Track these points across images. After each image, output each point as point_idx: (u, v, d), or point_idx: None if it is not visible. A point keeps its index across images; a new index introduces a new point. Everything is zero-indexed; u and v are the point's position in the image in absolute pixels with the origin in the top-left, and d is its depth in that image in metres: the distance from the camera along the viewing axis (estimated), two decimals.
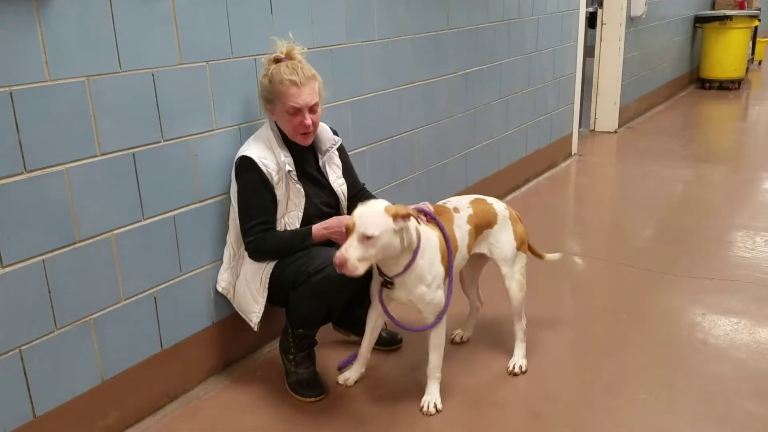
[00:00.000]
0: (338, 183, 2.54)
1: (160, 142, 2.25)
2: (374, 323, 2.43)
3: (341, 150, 2.59)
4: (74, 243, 2.04)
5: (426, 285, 2.21)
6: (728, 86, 8.82)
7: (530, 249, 2.61)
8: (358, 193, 2.63)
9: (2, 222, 1.86)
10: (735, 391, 2.39)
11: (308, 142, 2.41)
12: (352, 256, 2.01)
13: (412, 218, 2.11)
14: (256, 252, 2.36)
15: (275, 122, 2.41)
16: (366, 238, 2.01)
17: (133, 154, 2.17)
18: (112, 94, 2.08)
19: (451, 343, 2.77)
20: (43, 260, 1.97)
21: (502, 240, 2.48)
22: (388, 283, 2.22)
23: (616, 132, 6.55)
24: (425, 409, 2.32)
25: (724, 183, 4.95)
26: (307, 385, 2.45)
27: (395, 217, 2.06)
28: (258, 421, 2.34)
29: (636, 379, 2.49)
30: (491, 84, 4.24)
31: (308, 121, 2.33)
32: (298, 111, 2.32)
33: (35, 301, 1.97)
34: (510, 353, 2.61)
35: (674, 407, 2.31)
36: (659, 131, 6.69)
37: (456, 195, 3.85)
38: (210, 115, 2.39)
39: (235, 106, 2.49)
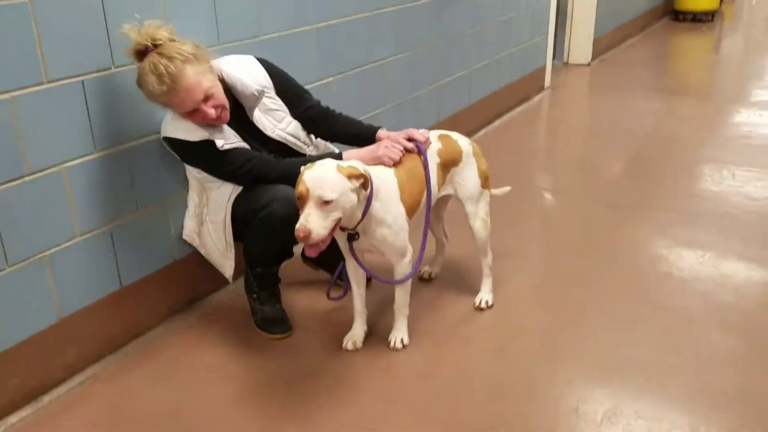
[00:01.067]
0: (279, 129, 2.36)
1: (110, 68, 2.13)
2: (355, 277, 2.31)
3: (278, 85, 2.37)
4: (23, 176, 1.94)
5: (387, 227, 2.11)
6: (702, 18, 8.75)
7: None
8: (323, 115, 2.44)
9: None
10: (699, 323, 2.42)
11: (224, 120, 2.19)
12: (315, 226, 1.87)
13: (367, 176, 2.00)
14: (255, 183, 2.24)
15: None
16: (324, 203, 1.89)
17: (82, 81, 2.05)
18: (59, 12, 1.94)
19: (419, 280, 2.75)
20: None
21: (467, 177, 2.42)
22: (353, 236, 2.13)
23: (589, 65, 6.48)
24: (392, 344, 2.31)
25: (695, 116, 4.94)
26: (273, 322, 2.42)
27: (349, 177, 1.94)
28: (221, 358, 2.31)
29: (600, 311, 2.50)
30: (466, 9, 4.10)
31: (210, 112, 2.11)
32: (194, 111, 2.10)
33: None
34: (477, 289, 2.60)
35: (638, 339, 2.33)
36: (632, 64, 6.63)
37: (432, 128, 3.80)
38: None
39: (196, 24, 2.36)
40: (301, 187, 1.90)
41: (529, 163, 4.14)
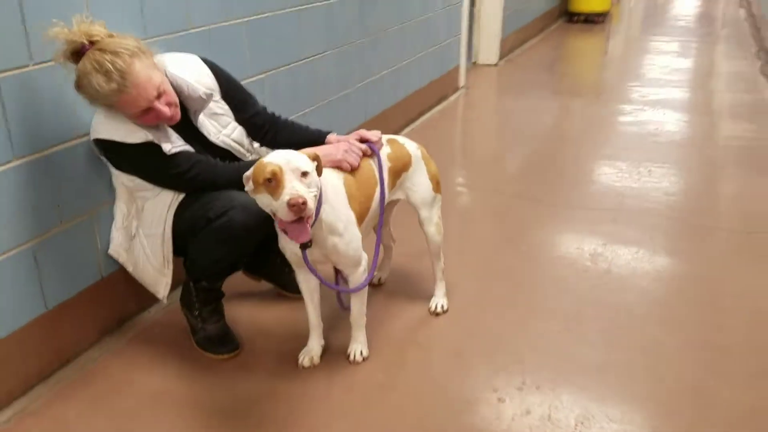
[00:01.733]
0: (224, 135, 2.19)
1: (28, 65, 1.88)
2: (308, 289, 2.17)
3: (224, 89, 2.20)
4: None
5: (338, 235, 1.98)
6: (594, 19, 9.14)
7: None
8: (270, 123, 2.29)
9: None
10: (641, 318, 2.46)
11: (177, 119, 2.00)
12: (306, 194, 1.72)
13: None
14: (202, 190, 2.06)
15: None
16: (303, 175, 1.75)
17: None
18: None
19: (369, 285, 2.64)
20: None
21: (419, 182, 2.34)
22: (306, 244, 1.93)
23: (497, 65, 6.59)
24: (352, 357, 2.20)
25: (600, 116, 5.05)
26: (218, 341, 2.24)
27: (309, 157, 1.83)
28: (163, 382, 2.11)
29: (550, 311, 2.50)
30: (389, 7, 4.04)
31: (165, 110, 1.92)
32: (147, 110, 1.91)
33: None
34: (427, 292, 2.53)
35: (586, 337, 2.34)
36: (535, 64, 6.81)
37: (357, 128, 3.70)
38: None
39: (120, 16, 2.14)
40: (271, 167, 1.73)
41: (451, 162, 4.13)
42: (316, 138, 2.26)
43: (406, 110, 4.53)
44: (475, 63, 6.58)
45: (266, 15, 2.86)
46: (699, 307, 2.52)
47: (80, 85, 1.84)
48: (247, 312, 2.48)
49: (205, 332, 2.24)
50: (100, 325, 2.28)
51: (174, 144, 2.00)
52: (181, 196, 2.09)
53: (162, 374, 2.15)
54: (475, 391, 2.06)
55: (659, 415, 1.95)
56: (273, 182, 1.73)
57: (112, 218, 2.20)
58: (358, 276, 2.10)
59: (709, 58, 7.01)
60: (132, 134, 1.94)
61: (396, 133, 4.38)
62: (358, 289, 2.11)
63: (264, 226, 2.00)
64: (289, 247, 2.01)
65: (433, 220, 2.38)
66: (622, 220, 3.26)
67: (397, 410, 1.98)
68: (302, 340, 2.26)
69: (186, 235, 2.08)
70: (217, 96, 2.18)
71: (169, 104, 1.93)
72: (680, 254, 2.93)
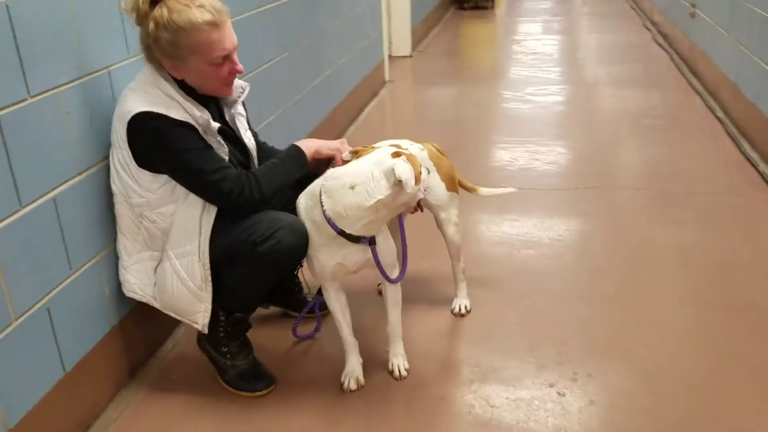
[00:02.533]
0: (248, 136, 2.08)
1: (26, 99, 1.63)
2: (340, 305, 2.04)
3: None
4: None
5: (383, 235, 1.96)
6: (484, 5, 9.36)
7: (460, 184, 2.43)
8: (260, 145, 2.19)
9: None
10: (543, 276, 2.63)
11: (231, 91, 1.94)
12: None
13: None
14: (260, 202, 1.87)
15: (171, 77, 1.84)
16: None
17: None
18: None
19: (380, 294, 2.55)
20: None
21: (432, 184, 2.26)
22: (372, 240, 1.90)
23: (411, 56, 6.58)
24: (397, 372, 2.09)
25: (506, 101, 5.12)
26: (252, 377, 2.06)
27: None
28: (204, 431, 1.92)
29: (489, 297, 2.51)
30: (327, 6, 3.91)
31: (240, 65, 1.85)
32: (227, 58, 1.81)
33: None
34: (441, 293, 2.48)
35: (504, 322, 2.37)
36: (445, 53, 6.88)
37: (312, 132, 3.56)
38: (75, 55, 1.79)
39: (102, 40, 1.91)
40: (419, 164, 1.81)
41: None
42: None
43: (348, 109, 4.42)
44: (390, 56, 6.53)
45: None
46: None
47: (164, 24, 1.72)
48: (261, 340, 2.29)
49: (236, 369, 2.06)
50: (114, 379, 2.04)
51: (203, 113, 1.82)
52: (213, 208, 1.87)
53: (196, 423, 1.95)
54: (532, 390, 2.03)
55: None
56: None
57: (114, 258, 1.97)
58: (395, 274, 2.03)
59: (602, 33, 7.36)
60: (173, 111, 1.77)
61: (344, 133, 4.27)
62: (398, 280, 2.02)
63: (307, 246, 1.88)
64: (327, 261, 1.90)
65: (451, 220, 2.31)
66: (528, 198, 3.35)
67: (481, 427, 1.90)
68: (333, 362, 2.14)
69: (221, 264, 1.90)
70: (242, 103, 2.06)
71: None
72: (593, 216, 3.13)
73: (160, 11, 1.73)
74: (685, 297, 2.46)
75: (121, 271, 1.97)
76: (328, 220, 1.81)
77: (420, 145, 2.26)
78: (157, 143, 1.77)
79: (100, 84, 1.89)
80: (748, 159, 3.63)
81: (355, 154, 1.91)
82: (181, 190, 1.84)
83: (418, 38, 6.97)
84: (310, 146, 2.01)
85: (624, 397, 1.97)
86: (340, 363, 2.12)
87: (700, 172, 3.56)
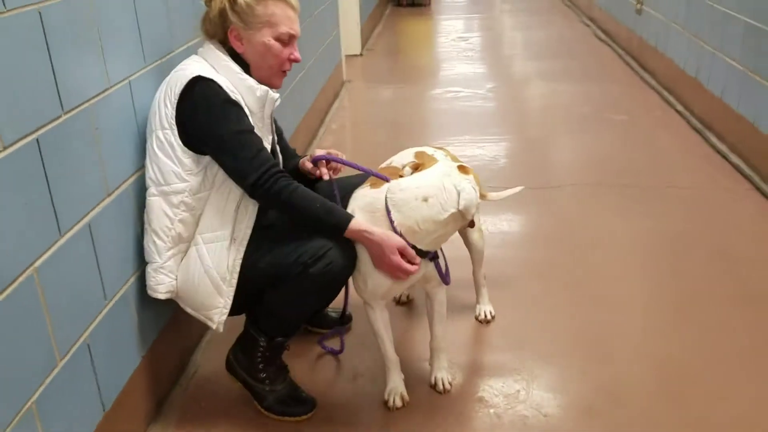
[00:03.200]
0: (276, 144, 2.00)
1: (60, 116, 1.47)
2: (384, 323, 1.96)
3: None
4: None
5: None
6: (421, 2, 9.38)
7: None
8: (285, 149, 2.10)
9: None
10: None
11: (281, 83, 1.88)
12: None
13: None
14: (279, 202, 1.73)
15: (227, 53, 1.80)
16: None
17: (37, 140, 1.38)
18: None
19: (397, 304, 2.48)
20: None
21: None
22: (434, 256, 1.85)
23: (361, 55, 6.51)
24: (441, 386, 2.03)
25: (446, 98, 5.15)
26: (293, 401, 1.95)
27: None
28: None
29: (556, 300, 2.52)
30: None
31: (299, 55, 1.85)
32: (292, 39, 1.81)
33: None
34: (460, 300, 2.44)
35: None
36: (392, 51, 6.85)
37: (291, 138, 3.43)
38: (101, 66, 1.64)
39: (130, 44, 1.75)
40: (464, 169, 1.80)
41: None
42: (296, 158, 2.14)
43: (318, 111, 4.31)
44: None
45: None
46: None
47: None
48: (291, 361, 2.18)
49: (276, 394, 1.95)
50: (145, 413, 1.89)
51: (260, 86, 1.79)
52: (253, 201, 1.77)
53: None
54: (581, 395, 2.01)
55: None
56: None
57: (142, 284, 1.82)
58: (439, 289, 1.98)
59: (542, 29, 7.50)
60: (231, 83, 1.74)
61: (314, 137, 4.16)
62: (448, 282, 1.94)
63: (354, 266, 1.81)
64: (385, 279, 1.81)
65: (476, 226, 2.27)
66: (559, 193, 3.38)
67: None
68: (367, 379, 2.07)
69: (263, 287, 1.78)
70: None
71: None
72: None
73: None
74: (699, 290, 2.51)
75: (151, 274, 1.79)
76: (400, 236, 1.73)
77: (442, 152, 2.20)
78: (204, 108, 1.69)
79: (123, 95, 1.73)
80: (718, 151, 3.76)
81: (416, 169, 1.84)
82: (218, 175, 1.74)
83: (365, 37, 6.91)
84: (360, 227, 1.76)
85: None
86: (373, 381, 2.06)
87: (677, 166, 3.66)
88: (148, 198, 1.75)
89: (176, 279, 1.79)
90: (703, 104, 4.11)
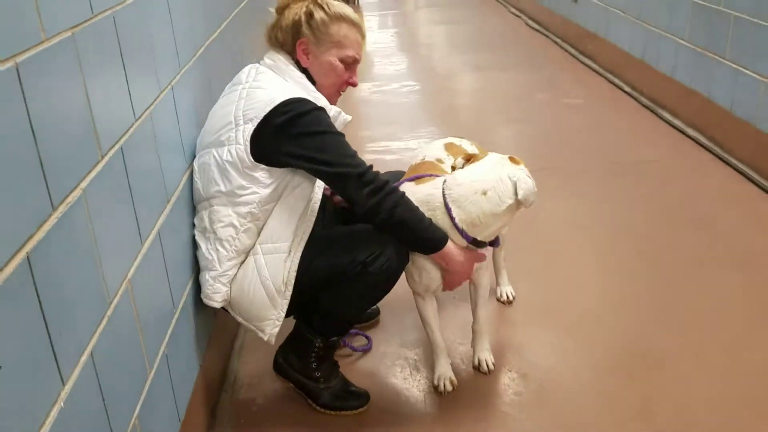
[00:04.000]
0: None
1: (133, 123, 1.43)
2: (434, 311, 2.01)
3: None
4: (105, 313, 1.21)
5: None
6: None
7: None
8: None
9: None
10: None
11: (336, 102, 1.91)
12: None
13: None
14: (391, 200, 1.71)
15: (295, 65, 1.83)
16: None
17: (121, 149, 1.34)
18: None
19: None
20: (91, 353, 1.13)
21: None
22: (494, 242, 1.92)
23: None
24: (485, 366, 2.10)
25: (394, 91, 5.32)
26: (348, 395, 1.97)
27: None
28: None
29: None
30: (257, 14, 3.75)
31: (357, 79, 1.91)
32: (354, 63, 1.87)
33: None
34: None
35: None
36: None
37: None
38: (153, 67, 1.60)
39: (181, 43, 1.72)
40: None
41: None
42: None
43: None
44: None
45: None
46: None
47: (323, 7, 1.82)
48: None
49: (331, 390, 1.96)
50: (204, 423, 1.86)
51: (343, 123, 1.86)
52: (313, 212, 1.77)
53: None
54: (611, 374, 2.12)
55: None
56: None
57: (197, 289, 1.80)
58: (484, 273, 2.05)
59: (472, 22, 7.69)
60: (317, 101, 1.75)
61: None
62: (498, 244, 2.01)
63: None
64: (438, 272, 1.87)
65: None
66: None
67: (578, 412, 1.95)
68: (410, 367, 2.12)
69: (318, 288, 1.80)
70: None
71: None
72: None
73: (319, 2, 1.84)
74: (694, 257, 2.68)
75: (209, 282, 1.76)
76: (461, 231, 1.77)
77: (468, 141, 2.27)
78: (298, 125, 1.68)
79: (167, 99, 1.70)
80: (674, 126, 4.00)
81: (468, 161, 1.88)
82: (286, 185, 1.74)
83: None
84: (452, 250, 1.80)
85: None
86: (416, 369, 2.12)
87: (640, 142, 3.87)
88: (213, 207, 1.74)
89: (230, 288, 1.78)
90: (653, 83, 4.35)
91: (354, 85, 1.91)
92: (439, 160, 2.11)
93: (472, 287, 2.07)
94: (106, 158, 1.25)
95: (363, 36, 1.88)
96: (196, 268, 1.82)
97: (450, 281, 1.87)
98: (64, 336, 1.03)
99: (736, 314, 2.32)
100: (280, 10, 1.87)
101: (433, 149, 2.18)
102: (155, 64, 1.59)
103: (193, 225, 1.81)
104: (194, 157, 1.83)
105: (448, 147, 2.19)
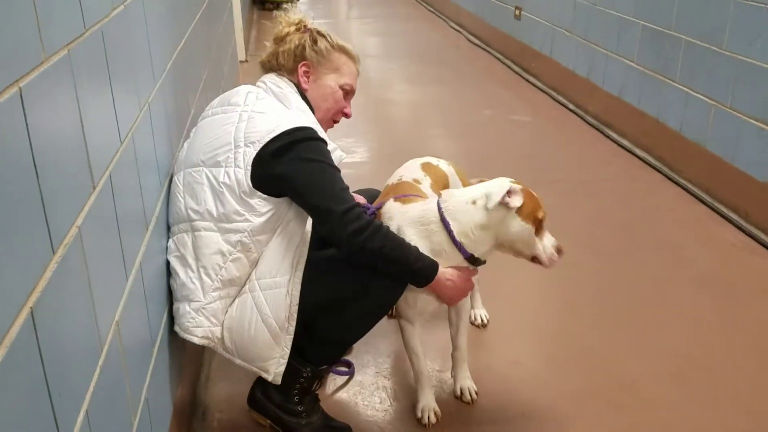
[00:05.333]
0: None
1: (119, 147, 1.30)
2: (420, 340, 1.94)
3: None
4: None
5: None
6: (285, 6, 9.29)
7: None
8: None
9: None
10: None
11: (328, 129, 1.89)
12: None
13: None
14: (377, 236, 1.62)
15: (296, 89, 1.82)
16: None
17: (110, 176, 1.21)
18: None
19: (388, 317, 2.44)
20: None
21: None
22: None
23: (247, 61, 6.31)
24: (467, 396, 2.04)
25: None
26: (330, 431, 1.87)
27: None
28: None
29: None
30: (214, 15, 3.61)
31: (351, 111, 1.95)
32: (349, 94, 1.93)
33: None
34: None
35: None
36: None
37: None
38: (134, 82, 1.47)
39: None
40: (542, 211, 1.77)
41: None
42: None
43: None
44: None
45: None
46: None
47: (326, 37, 1.87)
48: None
49: (312, 427, 1.85)
50: None
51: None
52: (307, 238, 1.69)
53: None
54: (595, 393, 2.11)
55: None
56: (542, 221, 1.74)
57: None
58: (466, 300, 1.98)
59: (410, 36, 7.71)
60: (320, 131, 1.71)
61: None
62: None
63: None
64: (431, 297, 1.80)
65: None
66: None
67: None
68: (386, 400, 2.04)
69: (316, 315, 1.70)
70: None
71: None
72: None
73: (321, 32, 1.89)
74: (658, 276, 2.72)
75: (190, 314, 1.64)
76: (459, 246, 1.71)
77: (445, 161, 2.22)
78: (296, 150, 1.61)
79: (145, 116, 1.56)
80: (622, 146, 4.09)
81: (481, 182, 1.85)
82: (282, 218, 1.65)
83: (247, 42, 6.71)
84: (446, 275, 1.74)
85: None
86: (396, 399, 2.02)
87: (591, 161, 3.93)
88: (199, 232, 1.62)
89: (220, 326, 1.66)
90: (599, 103, 4.45)
91: (348, 116, 1.94)
92: (417, 181, 2.05)
93: (454, 312, 2.01)
94: (98, 189, 1.12)
95: (358, 69, 1.94)
96: (170, 298, 1.68)
97: (451, 297, 1.79)
98: (63, 397, 0.90)
99: (707, 333, 2.35)
100: (278, 40, 1.89)
101: (411, 170, 2.11)
102: (136, 79, 1.46)
103: (166, 249, 1.68)
104: (168, 175, 1.71)
105: (425, 167, 2.13)
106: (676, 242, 2.99)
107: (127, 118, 1.34)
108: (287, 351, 1.68)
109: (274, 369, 1.69)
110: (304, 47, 1.85)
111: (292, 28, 1.89)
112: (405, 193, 1.93)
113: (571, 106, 4.82)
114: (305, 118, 1.71)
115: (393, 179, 2.09)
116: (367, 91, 5.36)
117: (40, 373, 0.83)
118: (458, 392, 2.05)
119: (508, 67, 6.02)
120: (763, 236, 2.95)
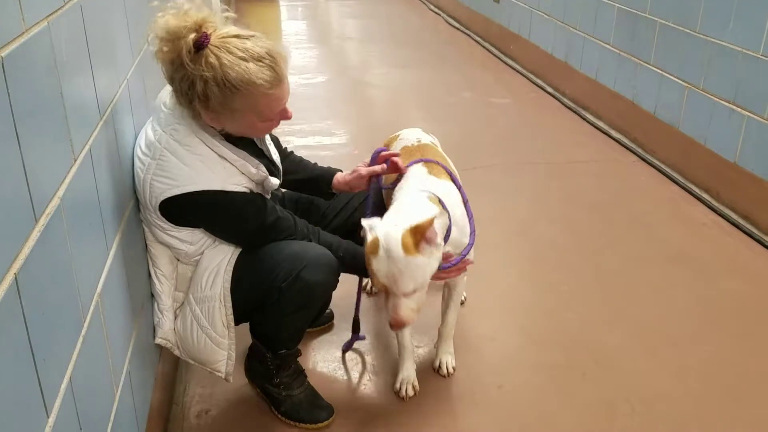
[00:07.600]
0: (273, 150, 1.90)
1: (98, 121, 1.31)
2: None
3: None
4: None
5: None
6: None
7: None
8: (295, 164, 2.04)
9: None
10: None
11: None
12: (406, 314, 1.64)
13: (434, 225, 1.59)
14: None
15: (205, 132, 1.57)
16: (407, 294, 1.63)
17: (90, 149, 1.22)
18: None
19: (368, 295, 2.48)
20: None
21: None
22: None
23: None
24: (444, 370, 2.08)
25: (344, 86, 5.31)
26: (311, 407, 1.89)
27: (418, 246, 1.58)
28: None
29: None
30: None
31: (290, 112, 1.61)
32: (282, 112, 1.60)
33: None
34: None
35: None
36: None
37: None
38: (114, 60, 1.47)
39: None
40: (377, 283, 1.65)
41: None
42: (325, 172, 2.04)
43: None
44: None
45: None
46: None
47: (216, 82, 1.44)
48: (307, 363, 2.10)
49: (293, 399, 1.88)
50: None
51: (259, 169, 1.65)
52: (238, 250, 1.71)
53: None
54: (560, 367, 2.17)
55: None
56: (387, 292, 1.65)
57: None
58: (460, 279, 2.01)
59: (389, 18, 7.70)
60: (230, 180, 1.58)
61: None
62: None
63: (339, 272, 1.77)
64: None
65: None
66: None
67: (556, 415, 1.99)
68: (370, 374, 2.07)
69: (249, 306, 1.73)
70: None
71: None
72: None
73: (209, 64, 1.43)
74: (634, 254, 2.78)
75: (158, 315, 1.72)
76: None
77: (431, 137, 2.23)
78: (213, 216, 1.63)
79: (124, 94, 1.57)
80: (598, 128, 4.14)
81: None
82: (208, 242, 1.70)
83: None
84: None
85: None
86: (377, 374, 2.06)
87: (568, 143, 3.98)
88: (150, 240, 1.69)
89: (174, 331, 1.75)
90: (576, 85, 4.49)
91: (287, 118, 1.62)
92: (419, 141, 2.08)
93: (446, 289, 2.05)
94: (79, 160, 1.13)
95: (280, 82, 1.52)
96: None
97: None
98: (47, 363, 0.92)
99: (679, 309, 2.42)
100: (173, 70, 1.47)
101: (411, 132, 2.15)
102: (114, 54, 1.46)
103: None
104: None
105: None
106: (650, 221, 3.05)
107: (106, 93, 1.35)
108: (233, 351, 1.74)
109: (225, 368, 1.76)
110: (194, 95, 1.47)
111: (188, 35, 1.43)
112: (428, 158, 1.95)
113: (549, 89, 4.86)
114: (211, 174, 1.55)
115: (409, 141, 2.08)
116: (346, 74, 5.38)
117: (24, 338, 0.85)
118: (436, 365, 2.09)
119: (487, 50, 6.04)
120: (733, 215, 3.02)
